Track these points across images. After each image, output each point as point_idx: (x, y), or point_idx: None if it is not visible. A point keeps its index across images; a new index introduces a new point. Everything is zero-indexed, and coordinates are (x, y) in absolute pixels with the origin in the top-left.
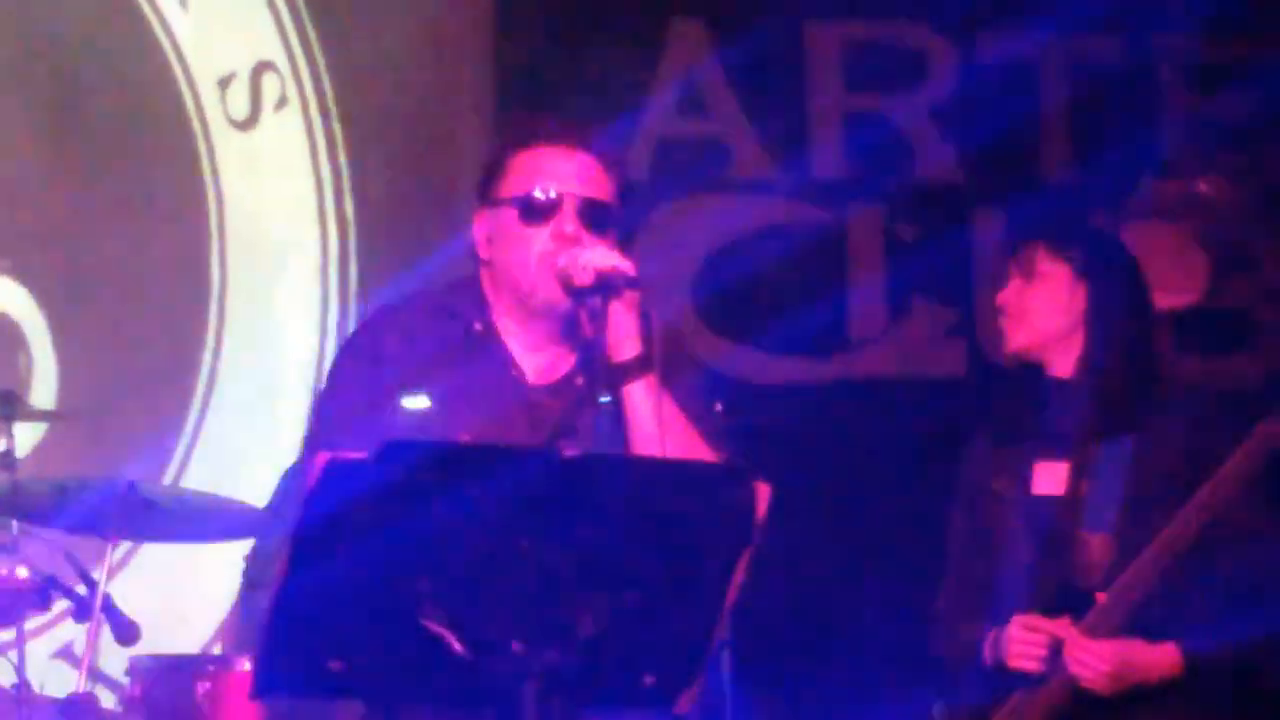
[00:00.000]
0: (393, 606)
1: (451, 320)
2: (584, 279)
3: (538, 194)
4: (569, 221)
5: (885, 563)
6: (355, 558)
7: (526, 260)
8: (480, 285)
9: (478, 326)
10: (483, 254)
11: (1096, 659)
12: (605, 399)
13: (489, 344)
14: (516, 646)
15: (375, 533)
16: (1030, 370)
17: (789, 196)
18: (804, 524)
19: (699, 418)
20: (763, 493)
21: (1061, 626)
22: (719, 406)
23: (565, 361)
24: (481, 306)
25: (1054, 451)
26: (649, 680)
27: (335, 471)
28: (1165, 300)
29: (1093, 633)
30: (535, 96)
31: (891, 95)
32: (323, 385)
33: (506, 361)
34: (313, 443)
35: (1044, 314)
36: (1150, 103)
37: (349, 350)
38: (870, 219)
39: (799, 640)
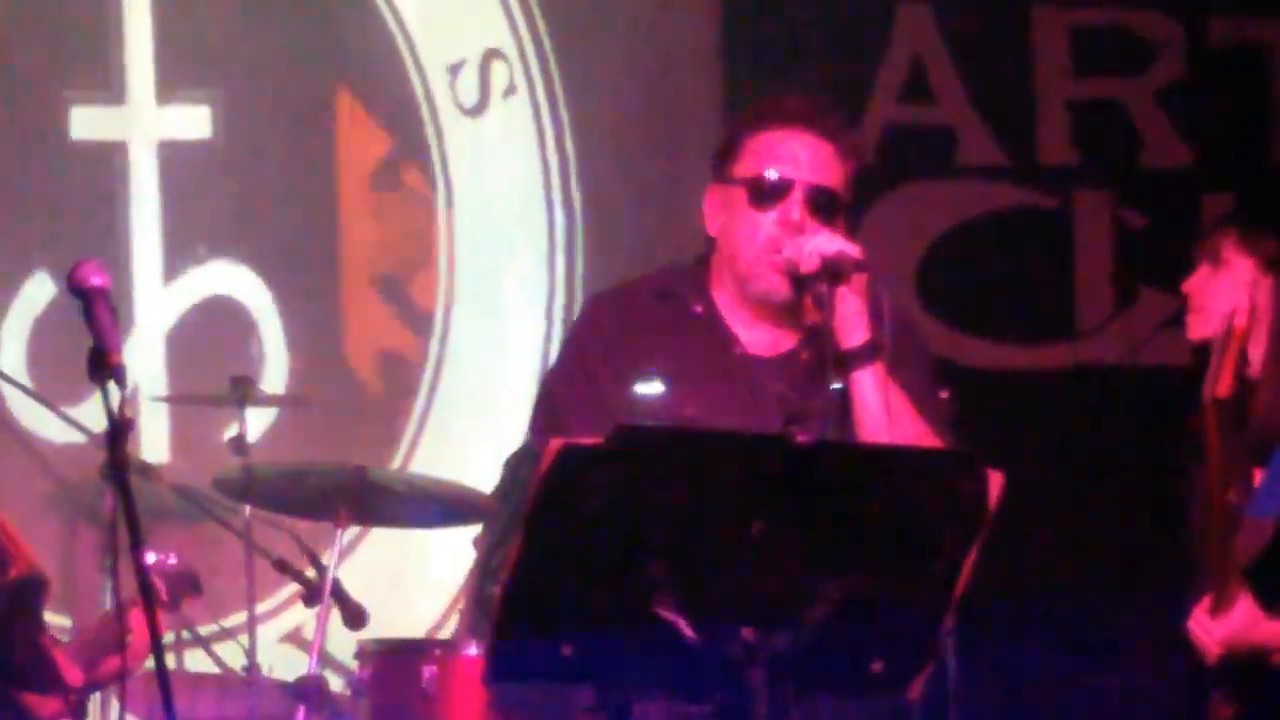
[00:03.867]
0: (624, 591)
1: (670, 303)
2: (810, 265)
3: (768, 176)
4: (796, 208)
5: (1110, 550)
6: (587, 542)
7: (750, 243)
8: (699, 266)
9: (698, 308)
10: (711, 230)
11: (1209, 638)
12: (837, 384)
13: (710, 323)
14: (747, 632)
15: (607, 517)
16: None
17: (1015, 183)
18: (1029, 512)
19: (926, 404)
20: (994, 480)
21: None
22: (945, 393)
23: (788, 338)
24: (701, 287)
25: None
26: (878, 666)
27: (568, 456)
28: None
29: (1213, 611)
30: (762, 81)
31: (1120, 80)
32: (548, 373)
33: (728, 338)
34: (539, 429)
35: (1225, 305)
36: None
37: (573, 339)
38: (1097, 205)
39: (1024, 629)
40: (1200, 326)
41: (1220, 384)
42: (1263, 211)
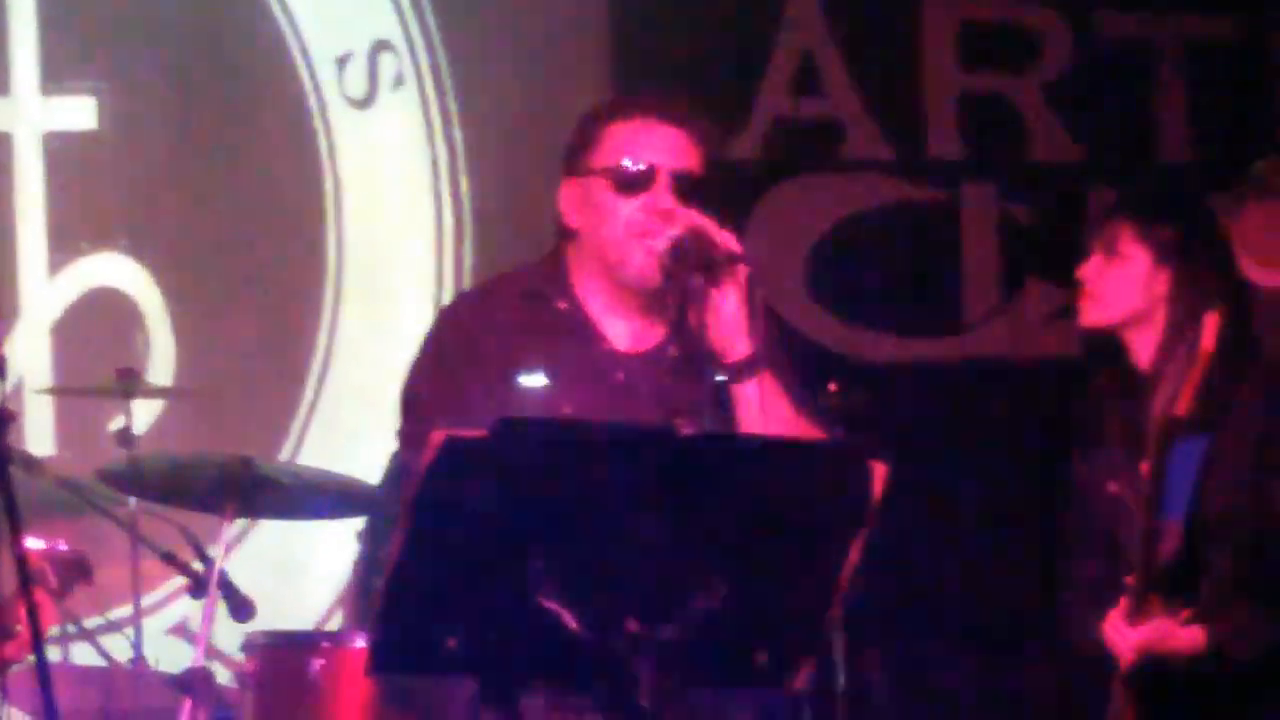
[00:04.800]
0: (508, 584)
1: (535, 300)
2: (673, 233)
3: (632, 164)
4: (663, 195)
5: (995, 543)
6: (470, 534)
7: (616, 229)
8: (561, 259)
9: (562, 304)
10: (570, 223)
11: (1125, 644)
12: (721, 377)
13: (575, 319)
14: (632, 624)
15: (491, 510)
16: (1121, 365)
17: (903, 176)
18: (915, 504)
19: (801, 401)
20: (879, 472)
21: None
22: (833, 386)
23: (654, 331)
24: (563, 282)
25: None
26: (762, 658)
27: (451, 448)
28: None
29: (1129, 617)
30: (650, 74)
31: (1007, 74)
32: (408, 378)
33: (594, 335)
34: (409, 435)
35: (1120, 295)
36: (1269, 82)
37: (434, 339)
38: (985, 199)
39: (909, 620)
40: (1093, 313)
41: (1180, 403)
42: (1155, 201)
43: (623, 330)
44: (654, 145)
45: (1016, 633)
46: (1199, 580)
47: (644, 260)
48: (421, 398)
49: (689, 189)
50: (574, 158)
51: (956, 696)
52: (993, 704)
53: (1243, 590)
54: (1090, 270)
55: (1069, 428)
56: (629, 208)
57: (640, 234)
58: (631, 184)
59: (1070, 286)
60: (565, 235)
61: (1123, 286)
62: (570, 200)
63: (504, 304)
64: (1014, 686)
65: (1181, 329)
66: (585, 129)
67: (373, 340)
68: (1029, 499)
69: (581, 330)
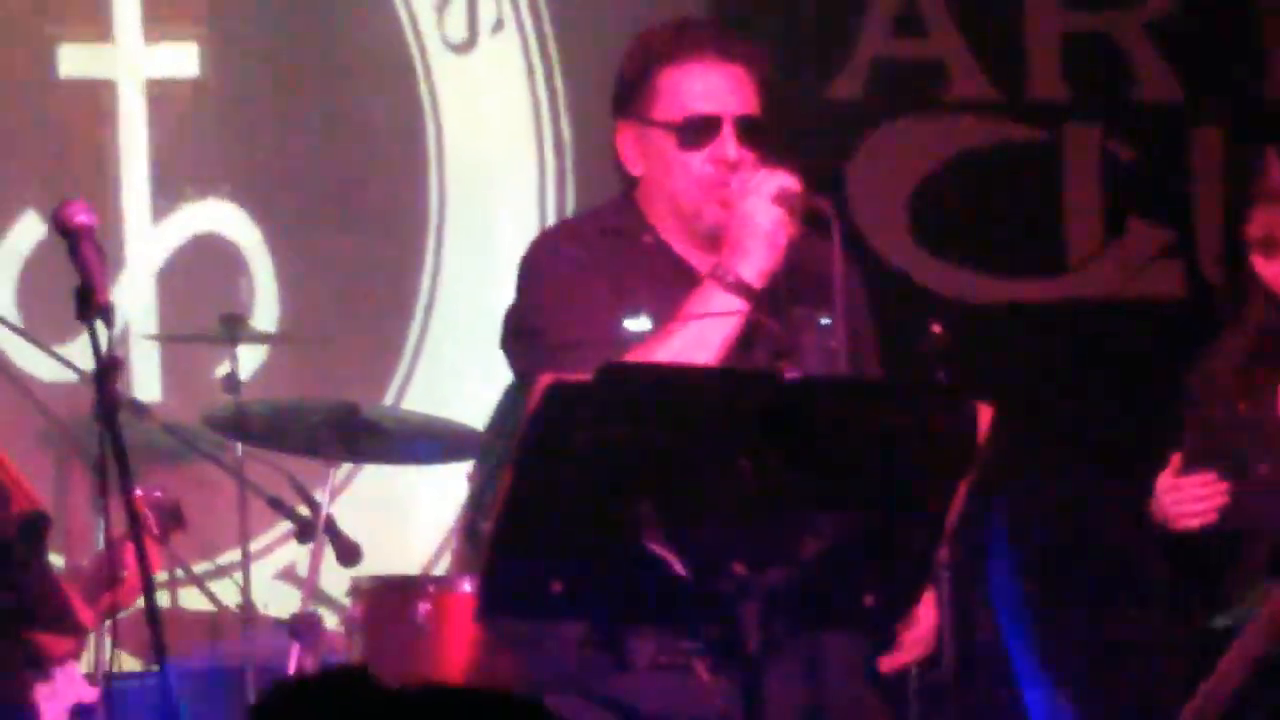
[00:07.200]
0: (615, 528)
1: (621, 237)
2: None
3: (695, 116)
4: (729, 143)
5: (1102, 483)
6: (576, 479)
7: (687, 184)
8: (634, 200)
9: (648, 239)
10: (633, 170)
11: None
12: (825, 320)
13: (662, 254)
14: (738, 568)
15: (596, 454)
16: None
17: (1006, 116)
18: (1020, 446)
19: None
20: (985, 415)
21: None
22: (937, 328)
23: None
24: (642, 221)
25: None
26: (869, 601)
27: (556, 394)
28: None
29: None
30: (751, 14)
31: (1110, 12)
32: (526, 309)
33: (685, 267)
34: (543, 348)
35: None
36: None
37: (548, 266)
38: (1087, 139)
39: (1017, 563)
40: None
41: None
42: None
43: (708, 261)
44: (713, 91)
45: (1127, 583)
46: None
47: (719, 212)
48: (559, 318)
49: (754, 132)
50: (628, 101)
51: (1069, 647)
52: (1106, 653)
53: None
54: None
55: (1171, 366)
56: (696, 160)
57: (711, 187)
58: (695, 137)
59: (1173, 227)
60: (629, 179)
61: None
62: (629, 146)
63: (592, 241)
64: (1124, 636)
65: None
66: (637, 69)
67: (476, 284)
68: (1130, 440)
69: (669, 263)
